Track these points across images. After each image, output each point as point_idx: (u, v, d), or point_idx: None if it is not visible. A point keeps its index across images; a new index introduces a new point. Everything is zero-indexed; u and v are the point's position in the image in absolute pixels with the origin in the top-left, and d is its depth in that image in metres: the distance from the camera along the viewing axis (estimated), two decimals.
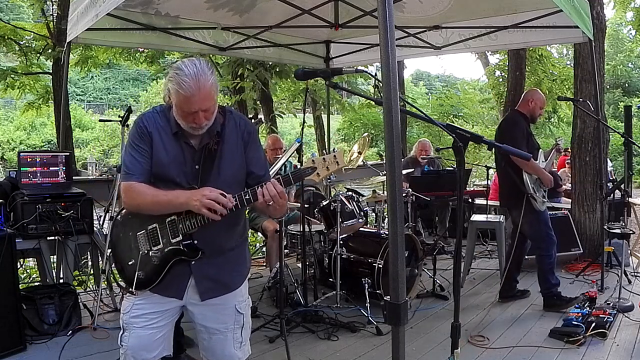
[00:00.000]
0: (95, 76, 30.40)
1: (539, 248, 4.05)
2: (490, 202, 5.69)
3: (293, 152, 3.53)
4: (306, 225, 4.04)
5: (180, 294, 1.96)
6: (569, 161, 6.67)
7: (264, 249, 5.22)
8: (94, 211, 3.80)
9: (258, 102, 10.17)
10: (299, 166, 3.80)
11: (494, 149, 3.29)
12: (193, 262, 1.92)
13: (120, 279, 2.01)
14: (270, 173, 2.25)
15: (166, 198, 1.86)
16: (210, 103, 1.81)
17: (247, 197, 1.85)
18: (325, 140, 8.94)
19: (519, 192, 3.90)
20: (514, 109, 4.22)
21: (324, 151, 10.24)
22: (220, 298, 2.00)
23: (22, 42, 9.81)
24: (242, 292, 2.08)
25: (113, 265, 2.07)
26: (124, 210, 2.04)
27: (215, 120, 1.91)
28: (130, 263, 1.95)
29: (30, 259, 4.41)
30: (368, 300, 3.80)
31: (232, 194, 1.84)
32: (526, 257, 4.42)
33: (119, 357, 2.01)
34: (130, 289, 1.93)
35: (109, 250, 3.67)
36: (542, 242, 4.01)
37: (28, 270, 4.87)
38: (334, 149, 8.00)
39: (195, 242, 1.90)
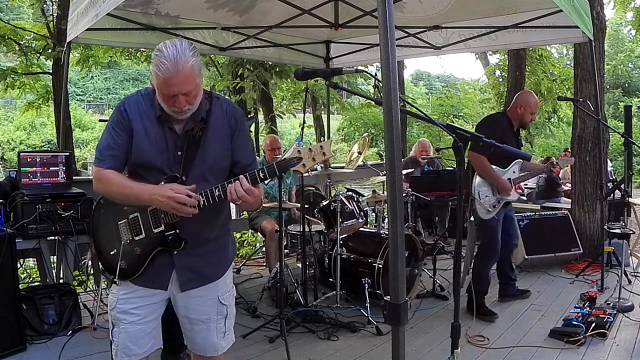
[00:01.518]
0: (95, 76, 30.42)
1: (481, 254, 3.97)
2: None
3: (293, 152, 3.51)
4: (306, 225, 4.04)
5: (165, 285, 1.93)
6: None
7: (264, 249, 5.21)
8: None
9: (258, 102, 10.17)
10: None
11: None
12: (175, 253, 1.89)
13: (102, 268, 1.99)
14: None
15: (131, 191, 1.83)
16: (190, 87, 1.74)
17: (217, 193, 1.81)
18: (325, 140, 8.93)
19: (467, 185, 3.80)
20: (504, 110, 4.09)
21: (325, 138, 10.22)
22: (203, 289, 1.97)
23: (22, 42, 9.83)
24: (225, 283, 2.05)
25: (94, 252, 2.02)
26: (102, 198, 1.99)
27: (201, 106, 1.86)
28: (112, 253, 1.92)
29: (30, 259, 4.41)
30: (368, 300, 3.80)
31: (215, 183, 1.83)
32: (527, 257, 4.41)
33: None
34: (113, 279, 1.90)
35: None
36: (484, 248, 3.93)
37: (28, 270, 4.87)
38: (320, 139, 7.96)
39: (178, 232, 1.87)
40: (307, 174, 4.31)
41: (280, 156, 3.99)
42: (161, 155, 1.86)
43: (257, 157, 4.09)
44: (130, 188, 1.83)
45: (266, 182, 1.93)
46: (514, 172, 3.93)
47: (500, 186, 3.80)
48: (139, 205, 1.87)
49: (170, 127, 1.87)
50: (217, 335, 2.02)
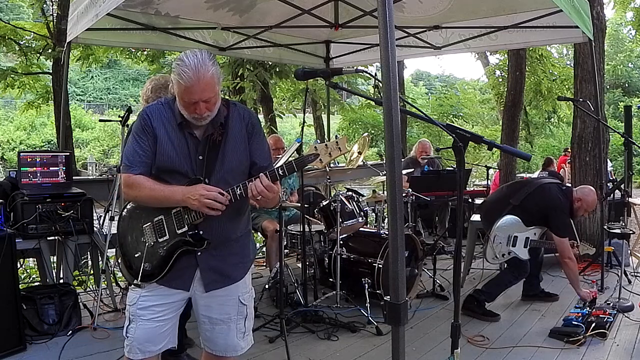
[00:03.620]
0: (95, 76, 30.45)
1: (512, 269, 3.99)
2: None
3: (293, 152, 3.52)
4: (306, 225, 4.04)
5: (187, 286, 1.98)
6: (569, 161, 6.67)
7: (264, 249, 5.21)
8: (94, 211, 3.80)
9: (258, 102, 10.17)
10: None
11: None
12: (199, 254, 1.95)
13: (127, 273, 2.03)
14: None
15: (162, 194, 1.89)
16: (210, 94, 1.83)
17: (239, 191, 1.87)
18: (325, 140, 8.92)
19: (491, 219, 3.88)
20: (570, 192, 3.97)
21: (325, 138, 10.24)
22: (224, 289, 2.02)
23: (22, 42, 9.82)
24: (245, 284, 2.10)
25: (119, 260, 2.07)
26: (129, 204, 2.06)
27: (219, 112, 1.94)
28: (136, 255, 1.97)
29: (30, 259, 4.40)
30: (368, 300, 3.80)
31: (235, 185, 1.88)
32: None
33: (119, 358, 2.01)
34: (137, 282, 1.94)
35: (108, 248, 3.69)
36: (515, 263, 3.93)
37: (28, 270, 4.86)
38: (336, 135, 7.99)
39: (201, 232, 1.92)
40: (308, 172, 4.32)
41: (281, 156, 4.00)
42: (184, 160, 1.93)
43: None
44: (161, 191, 1.89)
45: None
46: (534, 233, 3.92)
47: (577, 290, 3.84)
48: (163, 208, 1.93)
49: (191, 133, 1.94)
50: (237, 336, 2.07)
